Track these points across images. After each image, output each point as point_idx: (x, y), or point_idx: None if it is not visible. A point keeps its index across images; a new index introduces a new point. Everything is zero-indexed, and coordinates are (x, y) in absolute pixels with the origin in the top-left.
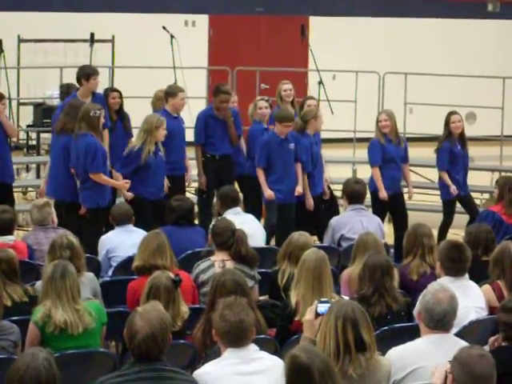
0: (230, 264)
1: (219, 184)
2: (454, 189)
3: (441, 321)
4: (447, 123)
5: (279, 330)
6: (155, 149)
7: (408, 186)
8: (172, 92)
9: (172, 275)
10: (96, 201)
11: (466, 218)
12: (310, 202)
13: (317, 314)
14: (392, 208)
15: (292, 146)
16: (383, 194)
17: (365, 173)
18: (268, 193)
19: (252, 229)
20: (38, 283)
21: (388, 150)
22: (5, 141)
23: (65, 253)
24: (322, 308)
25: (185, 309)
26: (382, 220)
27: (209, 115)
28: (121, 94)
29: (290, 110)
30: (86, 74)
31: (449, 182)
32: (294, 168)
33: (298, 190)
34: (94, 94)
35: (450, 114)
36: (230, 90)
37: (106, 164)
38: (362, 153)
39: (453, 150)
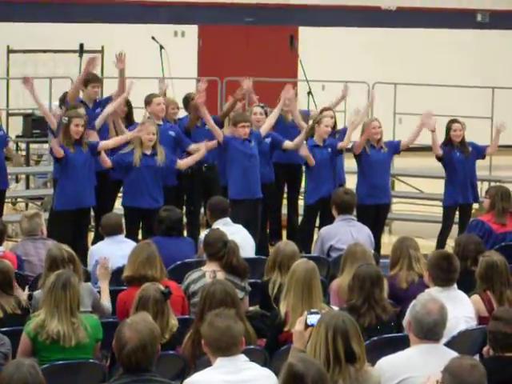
0: (220, 275)
1: (207, 195)
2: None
3: (431, 331)
4: (448, 130)
5: (268, 340)
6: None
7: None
8: (147, 100)
9: (162, 287)
10: None
11: (456, 227)
12: None
13: (306, 325)
14: (374, 219)
15: (253, 144)
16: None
17: (354, 183)
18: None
19: (242, 239)
20: (37, 292)
21: (370, 155)
22: (1, 147)
23: (68, 267)
24: (312, 319)
25: (174, 321)
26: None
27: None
28: (128, 102)
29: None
30: (86, 80)
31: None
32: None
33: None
34: (95, 101)
35: (452, 121)
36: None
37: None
38: (352, 162)
39: (450, 157)
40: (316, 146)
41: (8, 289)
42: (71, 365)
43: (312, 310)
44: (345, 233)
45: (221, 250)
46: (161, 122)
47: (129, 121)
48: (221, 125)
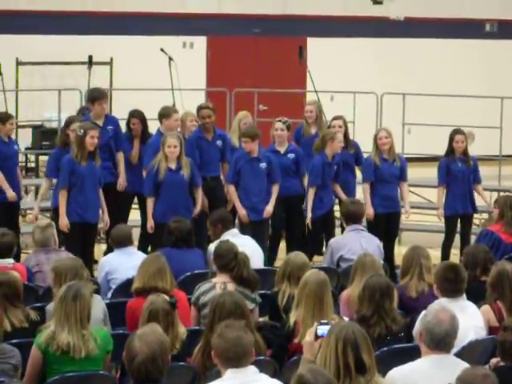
0: (231, 286)
1: (213, 206)
2: (440, 212)
3: (442, 341)
4: (451, 141)
5: (275, 349)
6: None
7: (405, 205)
8: (166, 113)
9: (167, 298)
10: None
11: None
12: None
13: (316, 336)
14: (386, 227)
15: (263, 165)
16: (369, 210)
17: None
18: (242, 213)
19: (251, 250)
20: (49, 305)
21: (382, 169)
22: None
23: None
24: (322, 330)
25: (182, 330)
26: (380, 239)
27: (198, 137)
28: (140, 118)
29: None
30: (92, 97)
31: (441, 199)
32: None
33: (268, 209)
34: (106, 116)
35: (455, 132)
36: (209, 105)
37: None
38: (360, 173)
39: (450, 167)
40: (326, 164)
41: (16, 301)
42: (81, 376)
43: (322, 321)
44: (354, 243)
45: (231, 262)
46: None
47: (144, 136)
48: None
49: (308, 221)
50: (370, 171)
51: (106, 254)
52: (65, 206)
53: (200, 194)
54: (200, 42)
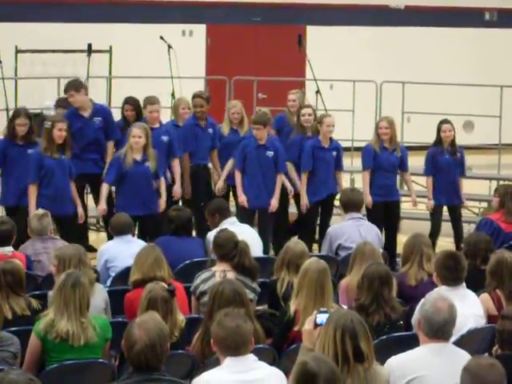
0: (231, 274)
1: (205, 194)
2: (430, 204)
3: (440, 330)
4: (438, 131)
5: (276, 337)
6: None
7: (411, 194)
8: (145, 103)
9: (165, 285)
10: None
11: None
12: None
13: (316, 325)
14: (386, 216)
15: (270, 153)
16: (368, 199)
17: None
18: (241, 199)
19: (250, 239)
20: (51, 292)
21: (381, 158)
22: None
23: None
24: (321, 318)
25: (181, 317)
26: (380, 228)
27: (194, 124)
28: (134, 105)
29: (295, 119)
30: (65, 89)
31: (430, 189)
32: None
33: (273, 203)
34: (94, 107)
35: (442, 122)
36: (203, 94)
37: (52, 175)
38: (360, 162)
39: (436, 158)
40: (320, 148)
41: (18, 289)
42: (80, 364)
43: (321, 310)
44: (353, 231)
45: (232, 251)
46: (156, 125)
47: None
48: None
49: (302, 206)
50: (370, 159)
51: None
52: (34, 201)
53: (164, 188)
54: (199, 30)
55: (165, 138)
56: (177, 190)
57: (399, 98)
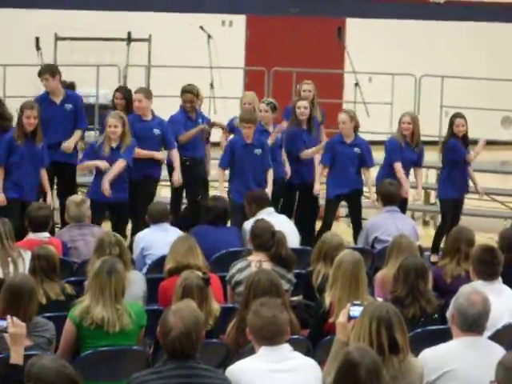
0: (267, 265)
1: (197, 186)
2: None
3: (474, 323)
4: (451, 125)
5: (312, 330)
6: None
7: (417, 187)
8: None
9: (200, 273)
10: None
11: (498, 221)
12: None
13: (349, 317)
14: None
15: (258, 151)
16: (406, 185)
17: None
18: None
19: (287, 229)
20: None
21: (403, 153)
22: None
23: (114, 250)
24: (355, 311)
25: (216, 306)
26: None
27: (185, 117)
28: (125, 94)
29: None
30: (39, 72)
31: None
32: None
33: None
34: (66, 94)
35: (455, 116)
36: (193, 89)
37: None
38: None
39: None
40: (340, 143)
41: (52, 275)
42: (115, 351)
43: (355, 302)
44: (390, 224)
45: (269, 241)
46: (148, 118)
47: (128, 112)
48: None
49: (316, 192)
50: (397, 152)
51: (134, 232)
52: (1, 183)
53: (45, 176)
54: (239, 20)
55: (157, 131)
56: (175, 177)
57: (438, 92)
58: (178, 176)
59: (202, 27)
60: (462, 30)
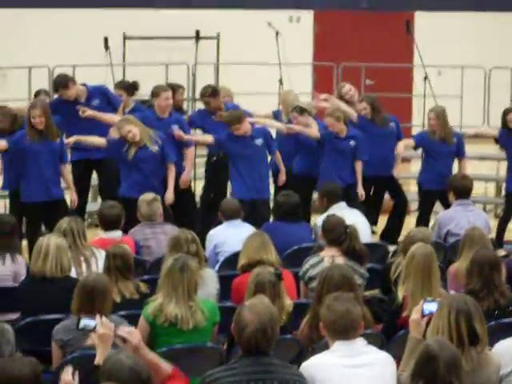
0: (340, 260)
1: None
2: None
3: None
4: (504, 120)
5: (386, 325)
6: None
7: None
8: (155, 92)
9: (272, 269)
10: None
11: None
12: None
13: (423, 314)
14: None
15: (259, 141)
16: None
17: (471, 168)
18: None
19: (358, 224)
20: None
21: (434, 145)
22: None
23: (191, 247)
24: (428, 308)
25: (288, 302)
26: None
27: (204, 114)
28: (125, 88)
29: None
30: (54, 90)
31: None
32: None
33: (281, 178)
34: (88, 90)
35: (509, 110)
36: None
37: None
38: (470, 147)
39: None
40: (336, 138)
41: (127, 273)
42: (189, 349)
43: (428, 299)
44: (462, 218)
45: (341, 236)
46: (165, 115)
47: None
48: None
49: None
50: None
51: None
52: None
53: (67, 173)
54: (307, 16)
55: (175, 128)
56: (184, 177)
57: (508, 85)
58: (185, 176)
59: (269, 23)
60: None
